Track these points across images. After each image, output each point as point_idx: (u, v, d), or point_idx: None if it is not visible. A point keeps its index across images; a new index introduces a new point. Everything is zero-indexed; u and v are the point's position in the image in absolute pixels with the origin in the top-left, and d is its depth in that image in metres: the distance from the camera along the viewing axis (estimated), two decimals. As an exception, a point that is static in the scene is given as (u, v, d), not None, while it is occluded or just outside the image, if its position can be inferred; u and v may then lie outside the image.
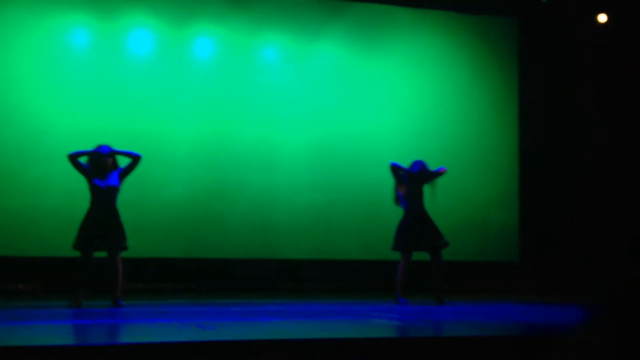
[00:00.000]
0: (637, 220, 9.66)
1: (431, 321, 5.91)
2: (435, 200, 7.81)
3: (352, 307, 7.08)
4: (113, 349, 3.88)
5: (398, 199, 7.85)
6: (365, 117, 10.31)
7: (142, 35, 9.72)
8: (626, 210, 10.08)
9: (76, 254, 6.82)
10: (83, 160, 6.97)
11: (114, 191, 6.89)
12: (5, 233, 8.82)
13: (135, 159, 7.05)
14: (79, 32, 9.52)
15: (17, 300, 7.61)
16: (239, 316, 5.93)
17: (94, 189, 6.86)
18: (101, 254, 6.90)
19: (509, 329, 5.40)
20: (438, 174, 7.85)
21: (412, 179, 7.79)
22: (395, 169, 7.90)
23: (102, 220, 6.79)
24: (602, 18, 10.47)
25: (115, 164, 7.01)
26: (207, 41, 10.03)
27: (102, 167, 6.87)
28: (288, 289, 9.75)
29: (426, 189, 7.79)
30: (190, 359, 3.82)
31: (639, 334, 0.90)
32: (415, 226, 7.61)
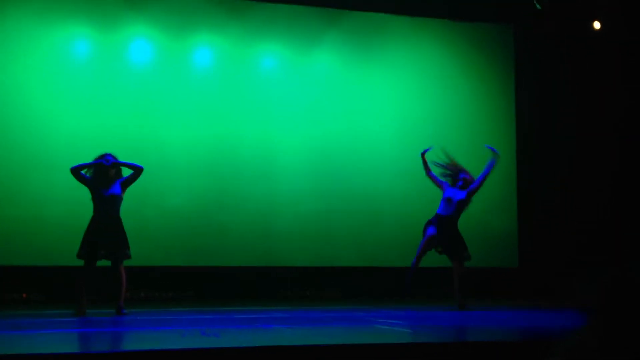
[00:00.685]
0: (632, 224, 9.69)
1: (433, 327, 5.94)
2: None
3: (355, 314, 7.11)
4: (117, 356, 3.91)
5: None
6: (364, 125, 10.36)
7: (142, 46, 9.78)
8: (622, 214, 10.12)
9: (79, 262, 6.86)
10: (85, 169, 7.01)
11: (117, 200, 6.94)
12: (7, 242, 8.84)
13: (137, 170, 7.10)
14: (80, 44, 9.58)
15: (20, 309, 7.63)
16: (241, 323, 5.96)
17: (97, 199, 6.91)
18: (103, 263, 6.93)
19: (508, 334, 5.43)
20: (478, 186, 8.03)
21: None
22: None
23: (106, 229, 6.83)
24: (597, 25, 10.54)
25: (118, 173, 7.06)
26: (206, 51, 10.09)
27: (105, 176, 6.92)
28: (289, 296, 9.77)
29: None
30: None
31: (631, 335, 0.92)
32: (442, 232, 7.68)
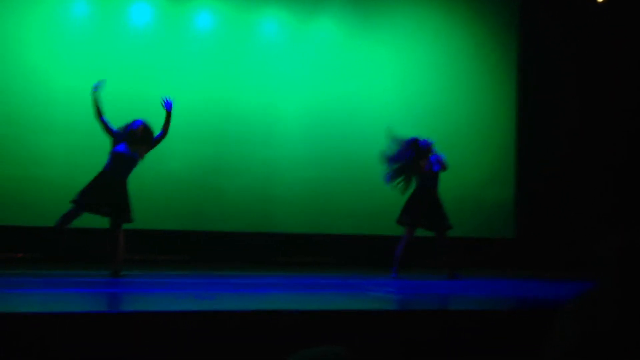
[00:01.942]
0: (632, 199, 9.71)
1: (426, 295, 5.97)
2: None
3: (349, 281, 7.15)
4: (111, 317, 3.93)
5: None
6: (363, 94, 10.31)
7: (142, 8, 9.69)
8: (620, 186, 10.13)
9: (78, 223, 6.83)
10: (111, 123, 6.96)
11: (132, 163, 6.93)
12: (5, 202, 8.85)
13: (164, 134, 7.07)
14: (80, 4, 9.49)
15: (17, 268, 7.66)
16: (236, 287, 5.99)
17: (115, 155, 6.87)
18: (101, 225, 6.93)
19: (504, 304, 5.46)
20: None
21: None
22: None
23: (112, 188, 6.80)
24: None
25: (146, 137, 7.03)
26: (206, 15, 10.00)
27: (132, 136, 6.91)
28: (285, 262, 9.81)
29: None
30: (188, 328, 3.87)
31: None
32: (426, 205, 7.69)
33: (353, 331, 4.11)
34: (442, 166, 7.80)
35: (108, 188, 6.76)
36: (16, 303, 4.47)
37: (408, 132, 9.15)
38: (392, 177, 7.82)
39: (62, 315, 3.84)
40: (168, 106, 7.05)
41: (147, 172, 9.27)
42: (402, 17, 10.58)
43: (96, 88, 6.89)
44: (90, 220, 7.25)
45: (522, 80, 11.00)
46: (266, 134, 9.90)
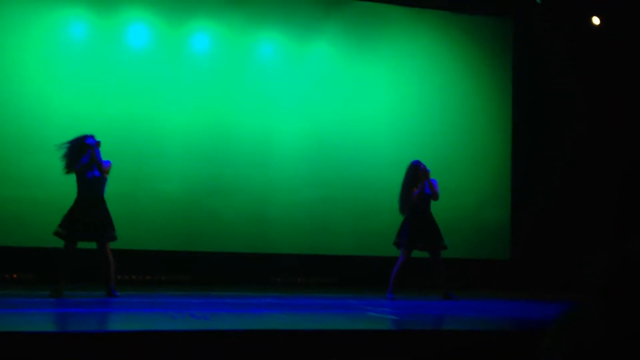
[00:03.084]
0: (628, 220, 9.74)
1: (423, 315, 5.97)
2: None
3: (346, 301, 7.14)
4: (108, 336, 3.94)
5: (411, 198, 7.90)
6: (360, 114, 10.36)
7: (139, 30, 9.76)
8: (616, 209, 10.16)
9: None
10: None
11: (101, 182, 6.96)
12: (0, 223, 8.84)
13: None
14: (77, 26, 9.56)
15: (12, 289, 7.64)
16: (232, 308, 5.99)
17: (84, 181, 6.90)
18: (86, 245, 6.94)
19: (499, 324, 5.47)
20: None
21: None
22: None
23: (90, 211, 6.83)
24: (596, 20, 10.55)
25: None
26: (203, 37, 10.07)
27: (91, 158, 6.96)
28: (281, 283, 9.80)
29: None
30: (184, 347, 3.88)
31: (631, 317, 0.91)
32: (420, 226, 7.74)
33: (349, 351, 4.11)
34: (434, 192, 7.86)
35: (88, 213, 6.80)
36: (10, 323, 4.47)
37: (404, 154, 9.23)
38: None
39: (58, 335, 3.85)
40: (92, 144, 7.03)
41: (144, 192, 9.31)
42: (398, 39, 10.66)
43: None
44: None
45: (517, 103, 11.06)
46: (263, 155, 9.93)
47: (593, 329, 0.92)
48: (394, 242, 7.87)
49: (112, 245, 6.97)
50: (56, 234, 6.78)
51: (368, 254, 10.02)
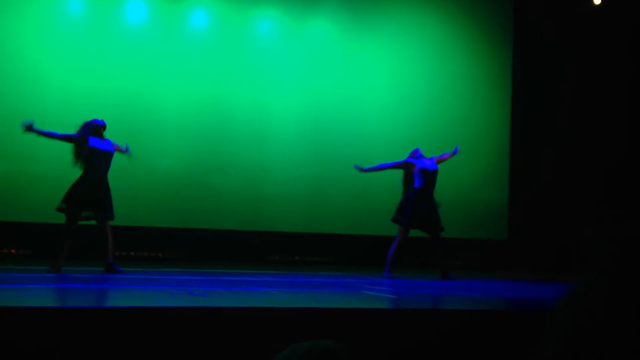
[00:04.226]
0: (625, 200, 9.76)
1: (420, 294, 5.99)
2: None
3: (342, 280, 7.16)
4: (105, 312, 3.94)
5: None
6: (357, 93, 10.34)
7: (137, 6, 9.70)
8: (612, 189, 10.17)
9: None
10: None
11: (109, 158, 6.96)
12: (-2, 198, 8.84)
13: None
14: (74, 1, 9.49)
15: (10, 264, 7.65)
16: (229, 285, 6.00)
17: (94, 158, 6.87)
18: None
19: (495, 304, 5.49)
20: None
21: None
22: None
23: (94, 188, 6.82)
24: (597, 0, 10.49)
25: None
26: (201, 13, 10.01)
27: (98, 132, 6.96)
28: (278, 261, 9.83)
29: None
30: (181, 324, 3.88)
31: (634, 294, 0.91)
32: (421, 206, 7.74)
33: (346, 329, 4.12)
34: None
35: (93, 190, 6.79)
36: (9, 298, 4.47)
37: (401, 133, 9.19)
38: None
39: (56, 310, 3.85)
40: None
41: (140, 169, 9.29)
42: (397, 18, 10.61)
43: (27, 127, 6.84)
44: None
45: (516, 84, 11.03)
46: (260, 133, 9.91)
47: (599, 305, 0.93)
48: (393, 218, 7.87)
49: (110, 222, 6.98)
50: (59, 209, 6.77)
51: (364, 232, 10.04)
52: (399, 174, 8.15)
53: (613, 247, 0.96)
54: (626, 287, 0.92)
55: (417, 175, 7.86)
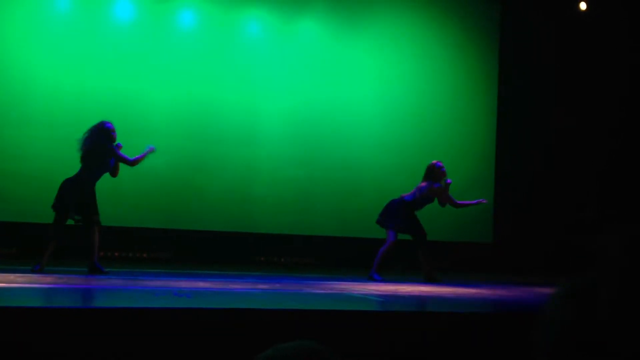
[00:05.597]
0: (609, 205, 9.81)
1: (406, 297, 5.99)
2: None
3: (328, 282, 7.15)
4: (88, 313, 3.92)
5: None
6: (345, 95, 10.35)
7: (125, 5, 9.66)
8: (597, 192, 10.23)
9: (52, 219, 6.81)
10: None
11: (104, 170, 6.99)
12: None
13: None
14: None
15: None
16: (214, 286, 5.98)
17: (102, 164, 6.89)
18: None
19: (480, 306, 5.51)
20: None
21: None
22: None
23: (83, 191, 6.82)
24: (583, 6, 10.57)
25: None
26: (190, 14, 9.99)
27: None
28: (264, 262, 9.80)
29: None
30: (165, 325, 3.86)
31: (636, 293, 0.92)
32: (413, 217, 7.81)
33: (332, 331, 4.12)
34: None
35: (80, 193, 6.78)
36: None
37: (389, 135, 9.18)
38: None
39: (39, 310, 3.82)
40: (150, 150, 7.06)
41: (128, 169, 9.24)
42: (385, 21, 10.62)
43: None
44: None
45: (502, 86, 11.08)
46: (247, 134, 9.89)
47: (612, 306, 0.93)
48: (378, 220, 7.90)
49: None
50: (53, 207, 6.76)
51: (351, 235, 10.04)
52: (388, 176, 8.16)
53: (627, 248, 0.97)
54: (633, 288, 0.93)
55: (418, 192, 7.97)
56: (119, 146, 7.03)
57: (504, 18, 11.15)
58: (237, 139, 9.83)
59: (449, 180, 7.95)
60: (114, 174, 7.05)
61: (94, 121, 7.07)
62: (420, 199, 7.92)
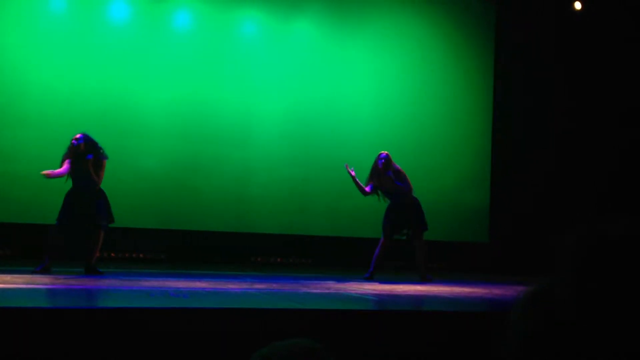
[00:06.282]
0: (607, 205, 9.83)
1: (402, 296, 6.00)
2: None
3: (324, 281, 7.16)
4: (85, 313, 3.91)
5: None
6: (340, 95, 10.36)
7: (121, 5, 9.66)
8: (594, 192, 10.24)
9: (48, 220, 6.80)
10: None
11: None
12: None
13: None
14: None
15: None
16: (210, 286, 5.98)
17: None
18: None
19: (476, 306, 5.51)
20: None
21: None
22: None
23: (84, 200, 6.85)
24: (578, 5, 10.59)
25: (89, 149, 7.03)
26: (185, 14, 9.99)
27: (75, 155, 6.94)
28: (260, 262, 9.80)
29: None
30: (161, 325, 3.86)
31: (607, 296, 0.90)
32: (401, 214, 7.78)
33: (328, 330, 4.12)
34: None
35: (83, 202, 6.79)
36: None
37: (384, 135, 9.19)
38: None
39: (35, 311, 3.82)
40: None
41: (123, 170, 9.25)
42: (380, 20, 10.64)
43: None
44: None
45: (498, 85, 11.10)
46: (243, 134, 9.90)
47: (567, 307, 0.91)
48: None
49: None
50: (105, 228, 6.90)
51: (346, 235, 10.04)
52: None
53: (582, 248, 0.94)
54: (596, 288, 0.90)
55: (384, 194, 7.96)
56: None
57: (499, 18, 11.16)
58: (233, 139, 9.83)
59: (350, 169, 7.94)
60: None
61: (90, 122, 7.08)
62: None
